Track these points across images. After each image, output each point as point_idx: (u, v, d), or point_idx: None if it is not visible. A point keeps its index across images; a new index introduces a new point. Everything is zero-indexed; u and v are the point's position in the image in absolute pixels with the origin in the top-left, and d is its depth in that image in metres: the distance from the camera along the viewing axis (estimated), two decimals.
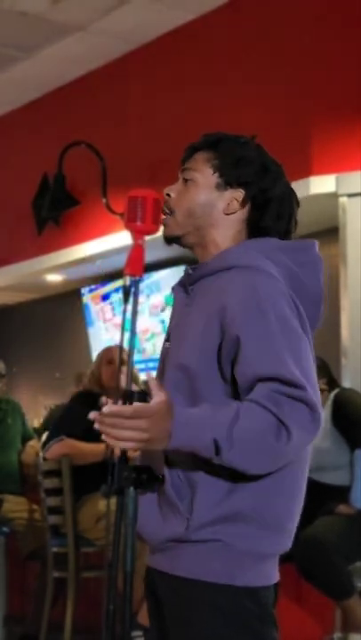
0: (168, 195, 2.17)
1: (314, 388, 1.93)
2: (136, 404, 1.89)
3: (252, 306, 1.96)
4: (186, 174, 2.17)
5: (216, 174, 2.14)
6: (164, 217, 2.16)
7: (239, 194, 2.14)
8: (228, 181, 2.14)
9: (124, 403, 2.00)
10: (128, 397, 2.02)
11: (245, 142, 2.18)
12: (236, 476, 1.96)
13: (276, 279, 2.02)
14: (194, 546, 2.00)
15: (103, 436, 1.88)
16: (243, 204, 2.14)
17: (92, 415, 1.90)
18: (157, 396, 1.89)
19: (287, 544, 2.06)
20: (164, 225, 2.16)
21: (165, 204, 2.16)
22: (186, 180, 2.16)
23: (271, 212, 2.14)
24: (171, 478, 2.01)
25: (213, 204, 2.14)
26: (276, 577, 2.09)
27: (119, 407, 1.88)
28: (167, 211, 2.16)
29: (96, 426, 1.89)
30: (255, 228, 2.15)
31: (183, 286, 2.18)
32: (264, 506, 2.00)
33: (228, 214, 2.14)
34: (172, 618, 2.06)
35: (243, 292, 1.98)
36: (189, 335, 2.05)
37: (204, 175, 2.15)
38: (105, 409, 1.88)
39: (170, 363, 2.09)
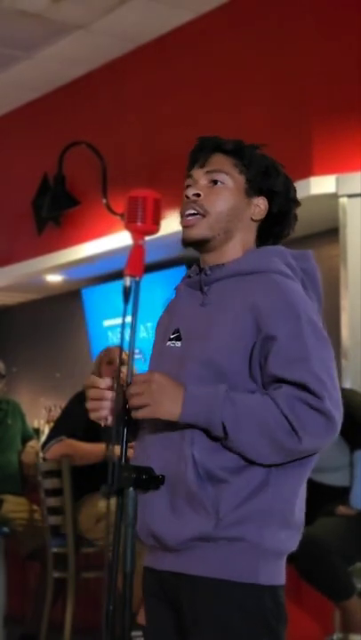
0: (197, 195, 2.16)
1: (335, 389, 2.03)
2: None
3: (285, 308, 2.03)
4: (216, 176, 2.16)
5: (246, 181, 2.18)
6: (190, 217, 2.15)
7: (263, 201, 2.18)
8: (255, 188, 2.18)
9: (125, 403, 2.01)
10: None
11: (261, 149, 2.23)
12: (265, 472, 2.01)
13: (299, 285, 2.11)
14: (218, 545, 2.01)
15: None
16: (266, 211, 2.19)
17: None
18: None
19: (297, 542, 2.11)
20: (192, 226, 2.15)
21: (195, 205, 2.15)
22: (215, 182, 2.16)
23: (291, 221, 2.23)
24: (195, 476, 2.01)
25: (243, 208, 2.17)
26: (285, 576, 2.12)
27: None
28: (200, 211, 2.14)
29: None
30: (268, 234, 2.21)
31: (194, 287, 2.18)
32: (285, 504, 2.04)
33: (254, 220, 2.19)
34: (191, 618, 2.05)
35: (275, 295, 2.04)
36: (215, 334, 2.06)
37: (236, 180, 2.17)
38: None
39: (189, 359, 2.08)
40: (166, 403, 1.98)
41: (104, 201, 6.64)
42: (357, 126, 5.32)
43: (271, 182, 2.18)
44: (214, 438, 2.00)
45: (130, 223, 2.08)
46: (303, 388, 1.97)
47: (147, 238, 2.10)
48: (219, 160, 2.17)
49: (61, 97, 7.42)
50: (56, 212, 6.98)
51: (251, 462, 2.01)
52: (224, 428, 1.96)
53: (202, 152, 2.19)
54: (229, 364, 2.04)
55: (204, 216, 2.14)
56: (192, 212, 2.14)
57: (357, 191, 5.24)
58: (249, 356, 2.03)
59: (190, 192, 2.16)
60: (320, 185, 5.29)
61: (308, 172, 5.30)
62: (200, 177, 2.18)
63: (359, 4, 5.39)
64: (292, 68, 5.63)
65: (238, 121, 5.69)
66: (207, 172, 2.17)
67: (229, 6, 6.04)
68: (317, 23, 5.53)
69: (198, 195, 2.15)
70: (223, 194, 2.15)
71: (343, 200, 5.30)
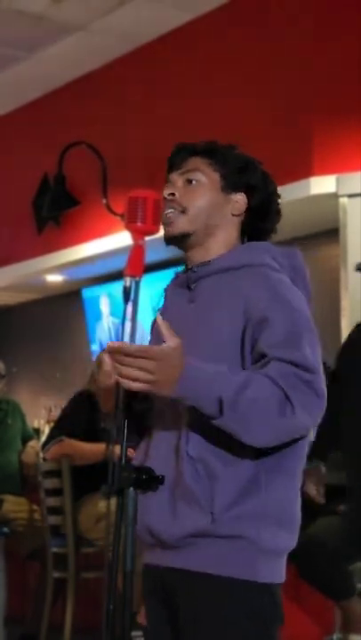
0: (173, 194, 2.19)
1: (322, 376, 2.00)
2: (143, 345, 1.94)
3: (276, 296, 2.04)
4: (191, 175, 2.20)
5: (221, 178, 2.20)
6: (170, 215, 2.17)
7: (242, 197, 2.21)
8: (232, 185, 2.21)
9: (125, 401, 2.03)
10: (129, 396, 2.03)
11: (238, 149, 2.27)
12: (256, 470, 2.00)
13: (287, 278, 2.12)
14: (216, 542, 2.01)
15: (113, 373, 1.93)
16: (245, 206, 2.21)
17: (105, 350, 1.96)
18: (170, 341, 1.93)
19: (295, 541, 2.11)
20: (171, 222, 2.17)
21: (173, 203, 2.18)
22: (190, 182, 2.20)
23: (273, 215, 2.24)
24: (190, 472, 2.01)
25: (221, 204, 2.20)
26: (285, 575, 2.12)
27: (121, 343, 1.92)
28: (178, 208, 2.17)
29: (106, 360, 1.97)
30: (253, 230, 2.23)
31: (181, 285, 2.20)
32: (279, 504, 2.04)
33: (234, 215, 2.21)
34: (188, 615, 2.06)
35: (265, 285, 2.06)
36: (205, 331, 2.07)
37: (211, 178, 2.20)
38: (108, 344, 1.93)
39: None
40: (167, 381, 1.93)
41: (104, 201, 6.65)
42: (357, 126, 5.32)
43: (247, 177, 2.21)
44: (205, 422, 1.97)
45: (130, 223, 2.10)
46: (296, 365, 1.96)
47: (147, 238, 2.10)
48: (193, 161, 2.21)
49: (61, 97, 7.42)
50: (56, 211, 6.99)
51: (241, 454, 2.00)
52: (220, 404, 1.93)
53: (178, 157, 2.24)
54: (219, 360, 2.03)
55: (183, 212, 2.17)
56: (170, 210, 2.17)
57: (358, 191, 5.24)
58: (240, 346, 2.04)
59: (166, 192, 2.20)
60: (320, 185, 5.29)
61: (308, 172, 5.29)
62: (176, 179, 2.22)
63: (359, 5, 5.39)
64: (293, 68, 5.63)
65: (238, 121, 5.70)
66: (182, 172, 2.21)
67: (229, 6, 6.04)
68: (317, 23, 5.54)
69: (174, 194, 2.19)
70: (199, 191, 2.19)
71: (343, 200, 5.30)
